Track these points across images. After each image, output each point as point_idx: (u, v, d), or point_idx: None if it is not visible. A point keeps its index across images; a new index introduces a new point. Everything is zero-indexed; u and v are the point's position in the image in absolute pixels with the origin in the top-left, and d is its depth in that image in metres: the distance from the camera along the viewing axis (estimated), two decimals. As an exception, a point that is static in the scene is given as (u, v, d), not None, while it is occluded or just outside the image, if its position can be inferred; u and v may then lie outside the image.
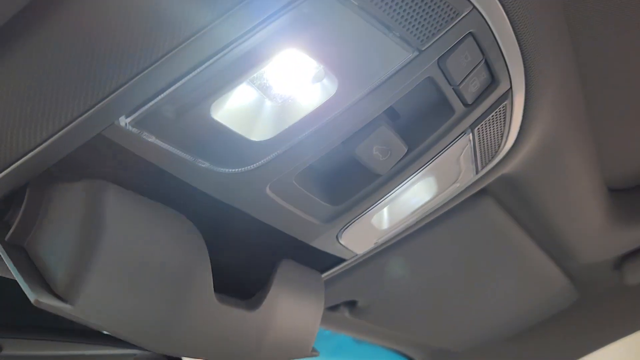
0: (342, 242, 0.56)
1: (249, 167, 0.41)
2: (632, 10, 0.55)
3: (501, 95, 0.49)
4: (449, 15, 0.38)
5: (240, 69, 0.35)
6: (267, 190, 0.44)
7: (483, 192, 0.71)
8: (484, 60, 0.44)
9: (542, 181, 0.72)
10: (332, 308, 0.86)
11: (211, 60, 0.34)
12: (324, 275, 0.67)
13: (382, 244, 0.67)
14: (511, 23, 0.43)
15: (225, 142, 0.39)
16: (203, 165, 0.40)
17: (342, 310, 0.86)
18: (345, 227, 0.53)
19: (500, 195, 0.73)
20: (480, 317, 1.09)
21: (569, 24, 0.54)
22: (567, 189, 0.76)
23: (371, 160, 0.46)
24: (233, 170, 0.41)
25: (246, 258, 0.62)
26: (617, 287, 1.13)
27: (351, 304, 0.87)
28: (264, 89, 0.40)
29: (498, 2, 0.41)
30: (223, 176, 0.42)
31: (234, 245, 0.59)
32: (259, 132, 0.40)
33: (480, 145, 0.53)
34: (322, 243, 0.55)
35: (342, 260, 0.63)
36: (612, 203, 0.90)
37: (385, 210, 0.55)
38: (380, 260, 0.76)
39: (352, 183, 0.49)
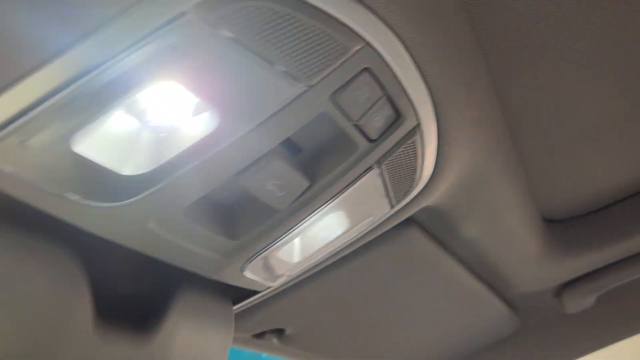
0: (248, 276, 0.53)
1: (124, 201, 0.38)
2: (554, 43, 0.54)
3: (409, 131, 0.47)
4: (338, 50, 0.36)
5: (103, 98, 0.32)
6: (151, 225, 0.41)
7: (409, 221, 0.69)
8: (384, 96, 0.42)
9: (471, 213, 0.70)
10: (258, 336, 0.83)
11: (68, 89, 0.31)
12: (238, 305, 0.64)
13: (304, 273, 0.64)
14: (413, 59, 0.41)
15: (94, 177, 0.36)
16: (73, 199, 0.37)
17: (269, 337, 0.83)
18: (248, 261, 0.50)
19: (427, 224, 0.71)
20: (418, 346, 1.07)
21: (488, 57, 0.53)
22: (498, 220, 0.75)
23: (266, 196, 0.43)
24: (107, 204, 0.38)
25: (150, 281, 0.58)
26: (558, 315, 1.12)
27: (279, 332, 0.84)
28: (140, 118, 0.37)
29: (395, 39, 0.39)
30: (97, 210, 0.38)
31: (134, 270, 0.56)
32: (134, 165, 0.37)
33: (392, 180, 0.51)
34: (226, 277, 0.52)
35: (255, 291, 0.61)
36: (549, 233, 0.89)
37: (295, 243, 0.52)
38: (305, 288, 0.74)
39: (251, 217, 0.47)
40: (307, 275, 0.69)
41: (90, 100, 0.32)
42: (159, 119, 0.37)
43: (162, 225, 0.42)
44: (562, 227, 0.91)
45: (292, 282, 0.68)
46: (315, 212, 0.48)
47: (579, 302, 1.07)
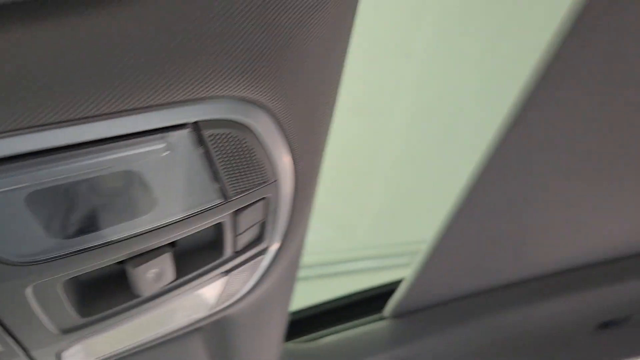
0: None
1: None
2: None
3: (261, 250, 0.56)
4: (259, 181, 0.45)
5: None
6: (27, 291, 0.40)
7: (198, 329, 0.74)
8: (263, 222, 0.51)
9: (249, 327, 0.79)
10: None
11: None
12: None
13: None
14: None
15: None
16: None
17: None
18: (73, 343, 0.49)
19: (213, 335, 0.76)
20: None
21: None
22: (264, 337, 0.85)
23: (141, 283, 0.46)
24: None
25: None
26: None
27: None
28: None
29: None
30: None
31: None
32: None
33: (226, 289, 0.58)
34: (41, 356, 0.50)
35: None
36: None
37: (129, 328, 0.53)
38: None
39: (107, 298, 0.48)
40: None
41: None
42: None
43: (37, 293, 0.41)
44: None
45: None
46: (162, 304, 0.52)
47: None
